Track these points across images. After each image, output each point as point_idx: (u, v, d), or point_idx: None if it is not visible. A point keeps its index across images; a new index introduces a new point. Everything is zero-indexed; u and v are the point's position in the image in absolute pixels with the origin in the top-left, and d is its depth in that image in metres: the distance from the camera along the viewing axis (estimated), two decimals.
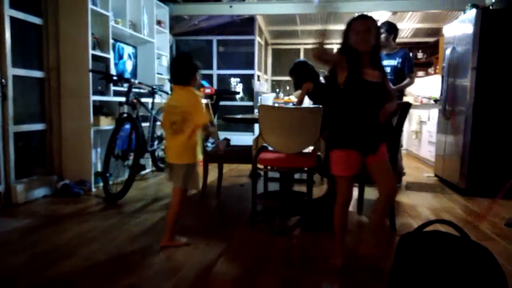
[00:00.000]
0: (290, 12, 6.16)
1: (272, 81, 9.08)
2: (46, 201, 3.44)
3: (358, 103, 2.00)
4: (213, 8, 6.08)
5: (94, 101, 3.79)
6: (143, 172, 4.69)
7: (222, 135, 4.03)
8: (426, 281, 1.41)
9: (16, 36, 3.33)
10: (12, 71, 3.26)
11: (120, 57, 4.49)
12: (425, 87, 7.47)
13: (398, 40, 4.21)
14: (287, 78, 8.02)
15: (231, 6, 5.95)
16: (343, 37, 2.04)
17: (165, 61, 5.56)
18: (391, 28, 4.01)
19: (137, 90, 4.25)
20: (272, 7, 6.04)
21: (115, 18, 4.23)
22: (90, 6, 3.69)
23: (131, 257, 2.25)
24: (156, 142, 4.54)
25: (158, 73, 5.22)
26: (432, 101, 6.29)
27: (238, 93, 7.01)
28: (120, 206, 3.31)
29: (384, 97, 2.04)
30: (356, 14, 6.81)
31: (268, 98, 6.07)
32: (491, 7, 3.88)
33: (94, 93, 3.79)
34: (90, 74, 3.68)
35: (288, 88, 8.68)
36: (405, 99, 4.91)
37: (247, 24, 6.96)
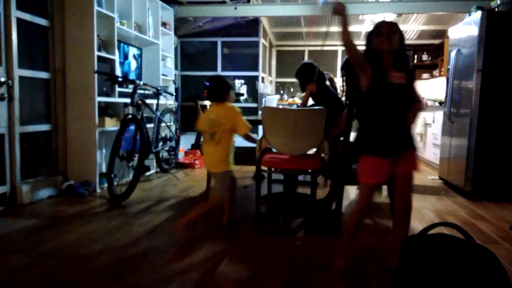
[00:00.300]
0: (295, 14, 6.16)
1: (277, 82, 9.09)
2: (51, 201, 3.46)
3: (384, 106, 1.98)
4: (218, 10, 6.10)
5: (99, 102, 3.81)
6: (147, 173, 4.71)
7: None
8: (430, 284, 1.40)
9: (22, 38, 3.36)
10: (18, 72, 3.28)
11: (125, 58, 4.52)
12: (430, 89, 7.45)
13: None
14: (292, 79, 8.02)
15: (235, 8, 5.96)
16: (367, 42, 2.04)
17: (170, 62, 5.59)
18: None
19: (142, 91, 4.27)
20: (276, 9, 6.05)
21: (121, 20, 4.26)
22: (96, 7, 3.71)
23: (134, 258, 2.26)
24: (160, 144, 4.56)
25: (163, 75, 5.24)
26: (437, 104, 6.27)
27: (242, 94, 7.01)
28: (125, 207, 3.32)
29: (410, 99, 2.03)
30: (361, 16, 6.78)
31: (272, 100, 6.07)
32: (496, 9, 3.87)
33: (99, 94, 3.81)
34: (96, 75, 3.70)
35: (292, 90, 8.68)
36: None
37: (251, 26, 6.98)
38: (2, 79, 3.13)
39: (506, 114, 3.75)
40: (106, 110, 3.99)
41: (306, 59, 8.71)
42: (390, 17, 6.00)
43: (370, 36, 2.03)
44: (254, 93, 7.13)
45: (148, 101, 4.23)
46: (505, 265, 1.44)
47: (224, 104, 2.64)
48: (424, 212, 3.28)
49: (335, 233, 2.70)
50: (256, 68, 7.08)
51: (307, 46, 8.94)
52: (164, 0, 5.32)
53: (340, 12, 1.97)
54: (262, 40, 7.14)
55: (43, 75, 3.66)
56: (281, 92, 8.40)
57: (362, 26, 7.20)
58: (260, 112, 4.65)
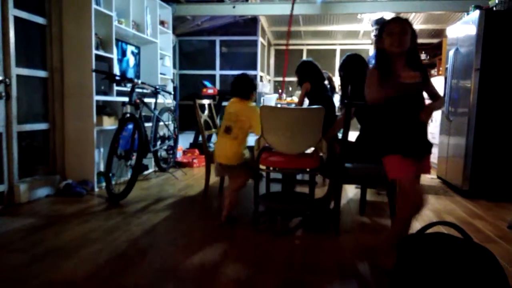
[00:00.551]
0: (293, 13, 6.15)
1: (275, 81, 9.09)
2: (48, 200, 3.45)
3: (400, 106, 1.94)
4: (216, 8, 6.09)
5: (97, 101, 3.80)
6: (145, 172, 4.70)
7: None
8: (428, 283, 1.41)
9: (20, 36, 3.35)
10: (16, 70, 3.27)
11: (123, 57, 4.50)
12: None
13: None
14: (290, 78, 8.02)
15: (234, 7, 5.96)
16: (377, 41, 1.99)
17: (168, 61, 5.58)
18: None
19: (140, 90, 4.26)
20: (275, 8, 6.05)
21: (119, 18, 4.25)
22: (94, 6, 3.70)
23: (133, 257, 2.26)
24: (158, 143, 4.55)
25: (161, 73, 5.23)
26: None
27: None
28: (123, 206, 3.32)
29: (424, 96, 1.99)
30: (360, 15, 6.77)
31: (270, 99, 6.07)
32: (494, 8, 3.87)
33: (97, 93, 3.80)
34: (94, 74, 3.69)
35: (290, 89, 8.68)
36: None
37: (250, 24, 6.97)
38: (0, 78, 3.11)
39: (504, 113, 3.76)
40: (104, 109, 3.98)
41: (304, 57, 8.71)
42: (388, 16, 6.00)
43: (381, 33, 1.96)
44: None
45: (146, 100, 4.22)
46: (503, 264, 1.45)
47: (247, 102, 2.79)
48: (422, 211, 3.28)
49: (334, 232, 2.71)
50: (254, 67, 7.08)
51: (305, 45, 8.94)
52: None
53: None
54: (260, 39, 7.14)
55: (41, 73, 3.64)
56: (279, 91, 8.39)
57: (360, 25, 7.20)
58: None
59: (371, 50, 8.18)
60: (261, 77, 7.48)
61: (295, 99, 7.61)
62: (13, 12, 3.23)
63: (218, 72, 7.17)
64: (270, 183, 3.46)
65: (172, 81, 5.75)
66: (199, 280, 2.00)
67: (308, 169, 2.83)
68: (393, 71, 1.93)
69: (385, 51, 1.94)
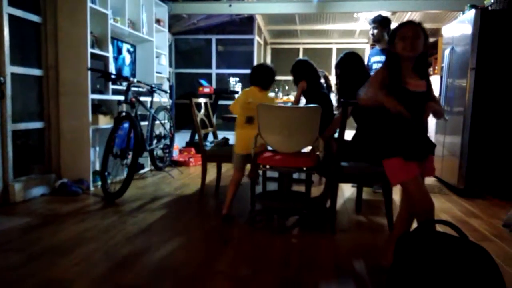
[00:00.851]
0: (290, 12, 6.15)
1: None
2: (44, 199, 3.43)
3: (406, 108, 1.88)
4: (212, 7, 6.07)
5: (92, 100, 3.78)
6: (141, 171, 4.68)
7: (221, 134, 4.03)
8: (424, 281, 1.41)
9: (14, 34, 3.32)
10: (10, 69, 3.25)
11: (119, 55, 4.48)
12: None
13: None
14: (286, 77, 8.02)
15: (230, 5, 5.94)
16: (390, 44, 1.95)
17: (164, 60, 5.56)
18: (385, 22, 3.82)
19: (136, 88, 4.24)
20: (271, 7, 6.03)
21: (114, 17, 4.22)
22: (89, 4, 3.68)
23: (129, 256, 2.25)
24: (154, 141, 4.54)
25: (157, 72, 5.21)
26: None
27: (237, 92, 6.99)
28: (118, 205, 3.30)
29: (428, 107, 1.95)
30: (356, 14, 6.76)
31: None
32: (490, 8, 3.88)
33: (93, 92, 3.78)
34: (89, 72, 3.67)
35: (287, 87, 8.68)
36: None
37: (246, 23, 6.96)
38: None
39: (499, 112, 3.78)
40: (99, 107, 3.96)
41: (301, 56, 8.71)
42: (384, 14, 6.00)
43: (393, 37, 1.93)
44: None
45: (142, 98, 4.20)
46: (498, 262, 1.46)
47: (266, 92, 2.87)
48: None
49: (330, 231, 2.71)
50: (251, 66, 7.06)
51: (301, 44, 8.94)
52: None
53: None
54: (257, 38, 7.13)
55: (36, 72, 3.62)
56: (276, 89, 8.39)
57: (357, 24, 7.21)
58: None
59: (367, 49, 8.20)
60: None
61: (292, 97, 7.61)
62: (7, 10, 3.20)
63: (214, 71, 7.15)
64: (267, 182, 3.47)
65: (168, 79, 5.73)
66: (196, 279, 1.99)
67: (305, 168, 2.83)
68: (400, 75, 1.90)
69: (397, 55, 1.92)
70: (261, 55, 8.01)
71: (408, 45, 1.86)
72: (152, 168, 4.81)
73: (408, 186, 1.90)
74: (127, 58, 4.68)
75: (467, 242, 1.46)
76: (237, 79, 7.15)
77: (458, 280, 1.37)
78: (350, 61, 2.95)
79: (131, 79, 3.87)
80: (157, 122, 4.61)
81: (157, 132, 4.65)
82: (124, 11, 4.40)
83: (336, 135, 2.81)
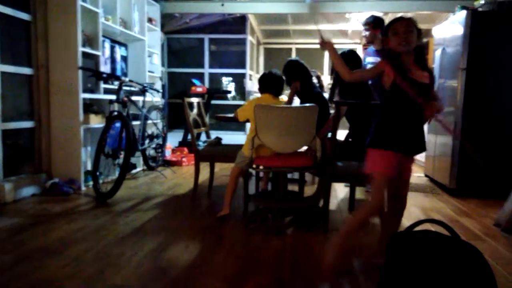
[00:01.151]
0: (282, 12, 6.16)
1: None
2: (34, 200, 3.39)
3: (406, 104, 1.92)
4: (205, 6, 6.06)
5: (84, 99, 3.75)
6: (133, 171, 4.65)
7: (214, 134, 4.01)
8: (416, 280, 1.42)
9: (4, 32, 3.28)
10: (0, 67, 3.20)
11: (111, 54, 4.45)
12: None
13: None
14: None
15: (222, 5, 5.93)
16: (384, 41, 1.97)
17: (156, 59, 5.53)
18: (378, 23, 3.78)
19: (127, 88, 4.21)
20: (264, 6, 6.04)
21: (106, 15, 4.19)
22: (80, 2, 3.64)
23: (120, 256, 2.23)
24: (147, 141, 4.51)
25: (149, 71, 5.18)
26: None
27: (230, 92, 6.99)
28: (110, 205, 3.28)
29: (431, 98, 1.97)
30: (348, 15, 6.77)
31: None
32: (479, 9, 3.92)
33: (84, 91, 3.75)
34: (80, 71, 3.64)
35: None
36: None
37: (239, 23, 6.96)
38: None
39: (490, 112, 3.81)
40: (91, 107, 3.93)
41: (293, 56, 8.73)
42: (377, 15, 6.04)
43: (386, 33, 1.95)
44: (241, 91, 7.12)
45: (134, 98, 4.17)
46: (490, 262, 1.47)
47: (278, 99, 2.94)
48: (410, 209, 3.31)
49: (323, 230, 2.71)
50: (243, 66, 7.07)
51: (294, 44, 8.96)
52: None
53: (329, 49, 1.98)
54: (249, 38, 7.13)
55: (26, 70, 3.58)
56: None
57: (348, 24, 7.24)
58: None
59: (359, 50, 8.23)
60: (250, 75, 7.47)
61: (285, 98, 7.61)
62: None
63: (207, 71, 7.14)
64: (260, 181, 3.46)
65: (161, 79, 5.70)
66: (188, 280, 1.98)
67: (302, 168, 2.83)
68: (404, 68, 1.92)
69: (393, 50, 1.94)
70: (254, 55, 8.00)
71: (401, 40, 1.88)
72: (145, 168, 4.78)
73: (376, 179, 1.95)
74: (119, 58, 4.64)
75: (459, 242, 1.47)
76: (230, 79, 7.15)
77: (450, 279, 1.38)
78: (349, 59, 2.96)
79: (123, 78, 3.85)
80: (150, 121, 4.58)
81: (149, 131, 4.62)
82: (115, 9, 4.36)
83: (329, 134, 2.81)
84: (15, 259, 2.15)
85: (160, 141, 4.86)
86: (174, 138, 5.94)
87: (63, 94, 3.69)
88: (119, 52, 4.68)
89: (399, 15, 6.29)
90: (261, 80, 2.95)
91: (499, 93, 3.79)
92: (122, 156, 3.54)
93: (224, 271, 2.10)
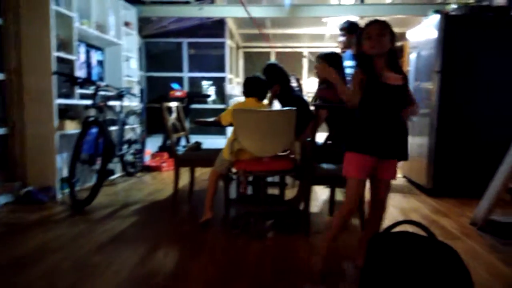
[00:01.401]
0: (260, 16, 6.18)
1: None
2: (8, 209, 3.28)
3: (380, 107, 1.94)
4: (182, 10, 6.02)
5: (59, 105, 3.66)
6: (112, 178, 4.57)
7: (194, 138, 3.98)
8: (394, 281, 1.43)
9: None
10: None
11: (86, 58, 4.37)
12: None
13: None
14: None
15: (200, 9, 5.90)
16: (358, 45, 1.99)
17: (134, 63, 5.45)
18: (352, 27, 3.79)
19: (104, 93, 4.14)
20: (242, 10, 6.03)
21: (81, 19, 4.11)
22: (53, 6, 3.56)
23: (98, 266, 2.18)
24: (125, 146, 4.44)
25: (127, 76, 5.11)
26: None
27: (209, 96, 6.96)
28: (87, 213, 3.20)
29: (405, 100, 2.01)
30: (324, 19, 6.83)
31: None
32: (452, 13, 4.02)
33: (59, 96, 3.66)
34: (54, 76, 3.55)
35: None
36: None
37: (217, 26, 6.94)
38: None
39: (465, 113, 3.91)
40: (66, 112, 3.84)
41: (273, 59, 8.77)
42: (353, 19, 6.13)
43: (360, 37, 1.97)
44: (221, 95, 7.10)
45: (111, 103, 4.10)
46: (466, 260, 1.50)
47: (262, 103, 2.92)
48: (389, 210, 3.34)
49: (304, 233, 2.72)
50: (223, 69, 7.05)
51: (273, 47, 9.00)
52: None
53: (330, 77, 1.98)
54: (228, 41, 7.12)
55: None
56: None
57: (325, 28, 7.32)
58: None
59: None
60: (230, 79, 7.46)
61: (265, 101, 7.63)
62: None
63: (186, 75, 7.09)
64: (240, 186, 3.44)
65: (139, 83, 5.63)
66: (168, 287, 1.95)
67: (282, 171, 2.83)
68: (377, 72, 1.94)
69: (365, 53, 1.96)
70: (233, 59, 8.00)
71: (374, 43, 1.91)
72: (123, 174, 4.70)
73: (350, 184, 2.00)
74: (95, 62, 4.56)
75: (435, 242, 1.49)
76: (211, 82, 7.11)
77: (427, 279, 1.40)
78: (333, 60, 2.97)
79: (99, 83, 3.78)
80: (128, 126, 4.51)
81: (127, 137, 4.55)
82: (91, 13, 4.28)
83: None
84: None
85: (138, 146, 4.79)
86: (153, 143, 5.86)
87: (37, 100, 3.59)
88: (95, 56, 4.60)
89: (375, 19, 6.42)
90: (246, 84, 2.92)
91: (473, 94, 3.89)
92: (99, 162, 3.47)
93: (205, 277, 2.08)
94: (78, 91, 3.94)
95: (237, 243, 2.58)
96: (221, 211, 3.11)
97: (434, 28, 3.93)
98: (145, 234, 2.74)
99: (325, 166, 2.86)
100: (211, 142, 4.85)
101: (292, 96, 3.33)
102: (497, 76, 3.87)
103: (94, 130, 3.55)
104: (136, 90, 5.38)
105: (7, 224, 2.86)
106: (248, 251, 2.44)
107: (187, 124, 4.07)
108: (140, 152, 4.83)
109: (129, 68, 5.29)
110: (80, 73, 4.12)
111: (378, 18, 2.02)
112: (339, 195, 3.77)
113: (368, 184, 2.10)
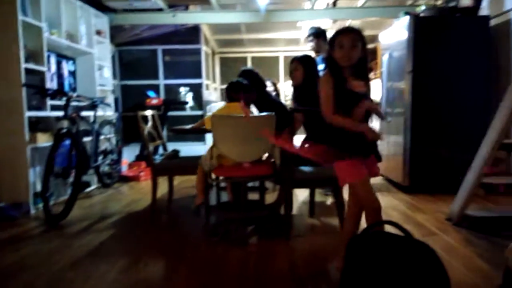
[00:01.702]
0: (234, 21, 6.18)
1: (221, 89, 9.07)
2: None
3: (347, 112, 1.94)
4: (155, 17, 5.96)
5: (30, 117, 3.55)
6: (87, 190, 4.46)
7: (172, 145, 3.93)
8: (373, 282, 1.44)
9: None
10: None
11: (57, 69, 4.26)
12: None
13: None
14: None
15: (174, 16, 5.86)
16: (329, 47, 1.98)
17: (107, 72, 5.36)
18: (318, 33, 4.04)
19: (76, 103, 4.04)
20: (215, 16, 6.03)
21: (50, 29, 4.01)
22: (21, 17, 3.47)
23: (75, 281, 2.11)
24: (100, 157, 4.35)
25: (100, 85, 5.01)
26: None
27: (187, 103, 6.90)
28: (63, 227, 3.11)
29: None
30: (298, 23, 6.87)
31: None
32: (421, 15, 4.13)
33: (29, 108, 3.55)
34: (24, 88, 3.45)
35: None
36: None
37: (192, 33, 6.91)
38: None
39: (436, 112, 4.00)
40: (38, 124, 3.73)
41: (249, 65, 8.79)
42: (326, 22, 6.21)
43: (332, 43, 1.97)
44: (198, 101, 7.05)
45: (84, 113, 4.02)
46: (443, 255, 1.52)
47: (239, 104, 2.81)
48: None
49: (285, 237, 2.71)
50: (199, 76, 7.01)
51: (249, 52, 9.02)
52: (97, 7, 5.10)
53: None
54: (204, 47, 7.09)
55: None
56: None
57: (299, 32, 7.38)
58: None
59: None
60: (207, 85, 7.43)
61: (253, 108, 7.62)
62: None
63: (162, 82, 7.01)
64: (220, 191, 3.41)
65: (113, 92, 5.53)
66: None
67: (262, 176, 2.82)
68: (343, 78, 1.96)
69: (335, 60, 1.97)
70: (209, 65, 7.97)
71: (345, 55, 1.92)
72: (100, 185, 4.60)
73: (357, 188, 1.98)
74: (66, 73, 4.46)
75: (412, 241, 1.51)
76: (188, 89, 7.06)
77: (404, 278, 1.41)
78: (307, 63, 3.00)
79: (70, 93, 3.69)
80: (102, 137, 4.43)
81: (102, 147, 4.46)
82: (60, 23, 4.18)
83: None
84: None
85: (115, 156, 4.70)
86: (130, 153, 5.76)
87: (7, 113, 3.48)
88: (67, 66, 4.50)
89: (347, 22, 6.53)
90: (229, 89, 2.91)
91: (444, 92, 3.98)
92: (73, 175, 3.38)
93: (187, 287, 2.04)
94: (50, 102, 3.83)
95: (218, 251, 2.55)
96: (201, 219, 3.07)
97: (405, 30, 4.02)
98: (123, 247, 2.68)
99: (304, 168, 2.87)
100: (189, 149, 4.80)
101: (268, 101, 3.33)
102: (467, 74, 3.98)
103: (67, 142, 3.46)
104: (110, 99, 5.28)
105: None
106: (230, 258, 2.41)
107: (164, 132, 4.02)
108: (116, 162, 4.74)
109: (102, 77, 5.20)
110: (51, 84, 4.02)
111: (351, 21, 2.04)
112: (319, 196, 3.80)
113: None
